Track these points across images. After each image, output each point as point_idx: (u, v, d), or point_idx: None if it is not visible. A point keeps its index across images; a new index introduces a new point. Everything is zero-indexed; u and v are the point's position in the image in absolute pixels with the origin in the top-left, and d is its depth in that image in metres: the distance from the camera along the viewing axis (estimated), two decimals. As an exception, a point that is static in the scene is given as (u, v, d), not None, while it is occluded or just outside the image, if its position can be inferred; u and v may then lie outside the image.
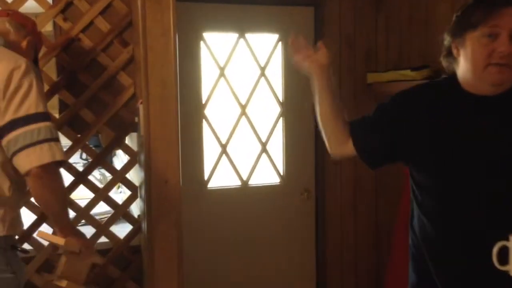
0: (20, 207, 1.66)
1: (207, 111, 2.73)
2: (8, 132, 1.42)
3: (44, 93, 1.56)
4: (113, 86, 2.09)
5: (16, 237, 1.65)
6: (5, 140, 1.43)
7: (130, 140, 2.36)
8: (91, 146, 2.23)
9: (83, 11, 2.01)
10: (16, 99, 1.42)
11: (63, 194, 1.61)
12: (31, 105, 1.43)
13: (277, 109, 2.86)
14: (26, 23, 1.68)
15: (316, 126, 1.57)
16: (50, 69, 2.06)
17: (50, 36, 2.04)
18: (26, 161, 1.42)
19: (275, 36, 2.81)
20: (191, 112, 2.66)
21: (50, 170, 1.45)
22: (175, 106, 1.89)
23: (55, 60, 2.02)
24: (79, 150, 2.27)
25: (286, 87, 2.85)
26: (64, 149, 2.02)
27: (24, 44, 1.63)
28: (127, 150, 2.15)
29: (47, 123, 1.46)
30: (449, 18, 1.40)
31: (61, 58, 2.01)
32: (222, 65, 2.73)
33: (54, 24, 2.02)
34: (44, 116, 1.46)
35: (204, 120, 2.73)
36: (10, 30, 1.62)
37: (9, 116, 1.42)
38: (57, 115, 2.05)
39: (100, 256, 1.71)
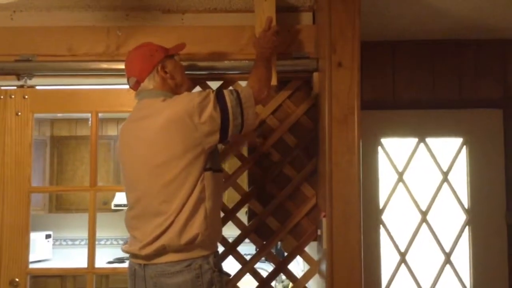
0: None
1: (384, 217, 2.67)
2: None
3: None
4: (297, 196, 2.20)
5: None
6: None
7: (309, 248, 2.41)
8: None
9: (273, 127, 2.20)
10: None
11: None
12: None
13: (462, 217, 2.66)
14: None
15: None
16: (243, 181, 2.27)
17: (243, 150, 2.27)
18: None
19: (459, 140, 2.68)
20: (367, 218, 2.62)
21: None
22: (358, 223, 1.89)
23: (247, 172, 2.22)
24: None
25: (473, 193, 2.65)
26: (250, 256, 2.18)
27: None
28: (307, 258, 2.19)
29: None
30: None
31: (252, 171, 2.21)
32: (400, 170, 2.69)
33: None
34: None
35: (381, 226, 2.66)
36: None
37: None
38: (246, 223, 2.21)
39: None
